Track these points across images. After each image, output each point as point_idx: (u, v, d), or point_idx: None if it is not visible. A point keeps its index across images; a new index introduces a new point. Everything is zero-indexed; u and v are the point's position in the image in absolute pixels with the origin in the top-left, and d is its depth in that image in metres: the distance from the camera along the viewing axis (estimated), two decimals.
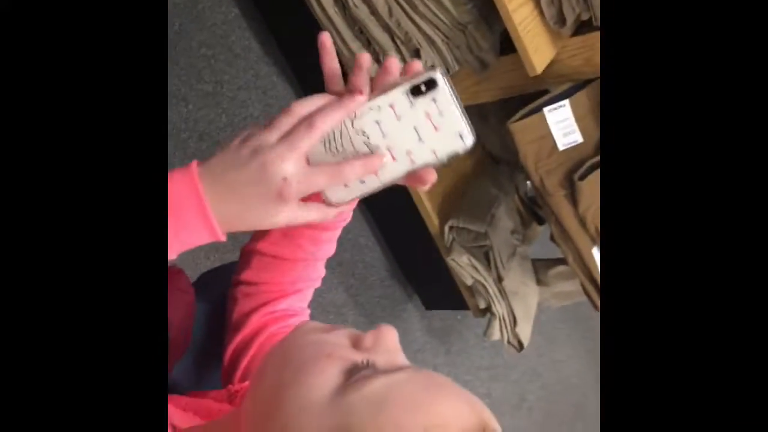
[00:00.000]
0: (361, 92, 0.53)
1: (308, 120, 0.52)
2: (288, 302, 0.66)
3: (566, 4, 1.03)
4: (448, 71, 1.19)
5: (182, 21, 1.35)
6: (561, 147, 1.08)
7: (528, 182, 1.39)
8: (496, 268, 1.38)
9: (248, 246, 0.67)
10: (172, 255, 0.51)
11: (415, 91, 0.53)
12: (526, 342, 1.43)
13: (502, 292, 1.40)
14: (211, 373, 0.71)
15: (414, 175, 0.56)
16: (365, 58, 0.55)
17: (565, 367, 2.39)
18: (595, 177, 1.07)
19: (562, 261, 1.36)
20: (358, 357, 0.46)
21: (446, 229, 1.40)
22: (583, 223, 1.10)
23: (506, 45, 1.10)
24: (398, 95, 0.53)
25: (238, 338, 0.64)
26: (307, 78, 1.47)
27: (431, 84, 0.53)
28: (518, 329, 1.39)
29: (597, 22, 1.04)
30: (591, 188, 1.07)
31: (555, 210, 1.12)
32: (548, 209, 1.14)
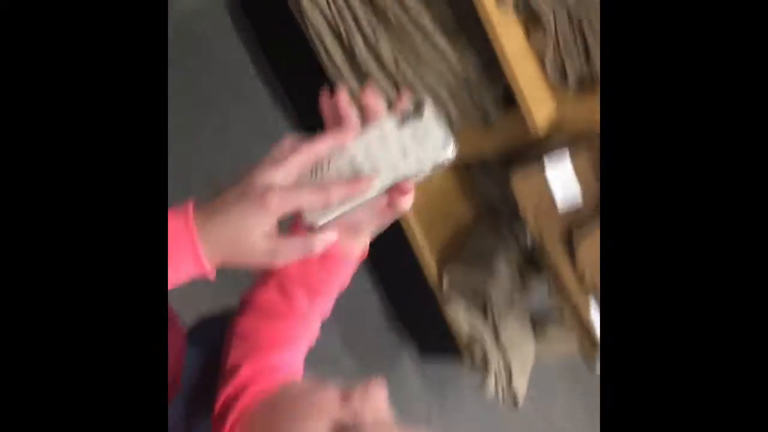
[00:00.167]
0: (352, 126, 0.56)
1: (299, 146, 0.55)
2: (281, 356, 0.65)
3: (569, 62, 1.05)
4: (451, 124, 1.20)
5: (189, 63, 1.37)
6: (561, 201, 1.08)
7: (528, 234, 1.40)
8: (494, 319, 1.37)
9: (246, 295, 0.67)
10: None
11: (404, 118, 0.57)
12: (521, 398, 1.41)
13: (499, 345, 1.39)
14: (200, 421, 0.70)
15: (395, 189, 0.57)
16: (367, 95, 0.58)
17: (562, 422, 2.35)
18: (595, 233, 1.07)
19: (561, 315, 1.35)
20: (347, 415, 0.46)
21: (444, 278, 1.39)
22: (581, 279, 1.10)
23: (510, 99, 1.12)
24: (386, 122, 0.57)
25: (229, 389, 0.64)
26: (315, 125, 1.49)
27: (418, 107, 0.57)
28: (514, 384, 1.37)
29: (599, 83, 1.06)
30: (590, 245, 1.07)
31: (553, 265, 1.12)
32: (546, 263, 1.14)
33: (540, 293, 1.51)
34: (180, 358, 0.72)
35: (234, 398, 0.63)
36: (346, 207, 0.56)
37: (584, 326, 1.14)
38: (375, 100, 0.58)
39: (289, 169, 0.54)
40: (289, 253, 0.55)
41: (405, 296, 1.67)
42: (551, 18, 1.01)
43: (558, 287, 1.15)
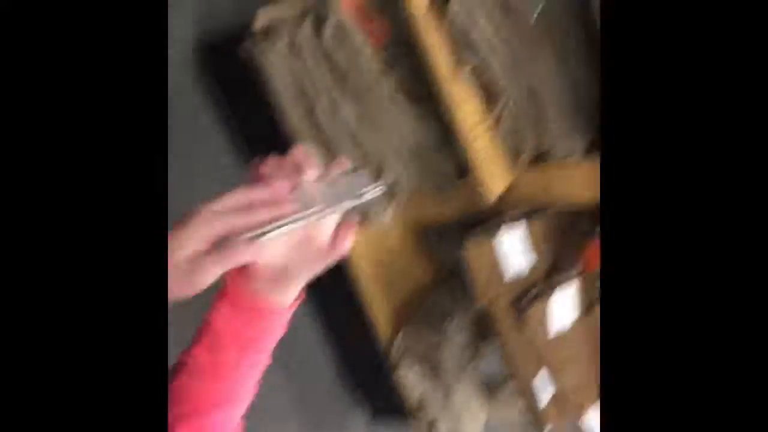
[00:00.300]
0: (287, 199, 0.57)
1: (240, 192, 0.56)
2: (214, 417, 0.65)
3: (523, 135, 1.08)
4: (410, 187, 1.23)
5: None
6: (511, 272, 1.11)
7: None
8: (445, 384, 1.37)
9: (180, 355, 0.67)
10: None
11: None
12: None
13: (449, 410, 1.38)
14: None
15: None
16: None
17: None
18: (544, 301, 1.09)
19: (509, 381, 1.36)
20: None
21: (397, 340, 1.39)
22: (527, 349, 1.11)
23: (467, 169, 1.15)
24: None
25: None
26: None
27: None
28: None
29: (554, 155, 1.09)
30: (537, 315, 1.09)
31: (501, 334, 1.13)
32: (494, 330, 1.15)
33: (494, 358, 1.52)
34: None
35: None
36: (275, 230, 0.56)
37: (529, 393, 1.14)
38: (306, 158, 0.59)
39: (223, 202, 0.55)
40: (207, 267, 0.53)
41: (359, 356, 1.66)
42: (507, 91, 1.05)
43: (505, 354, 1.16)
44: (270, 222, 0.55)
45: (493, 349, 1.43)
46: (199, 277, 0.54)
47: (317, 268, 0.62)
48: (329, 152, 1.20)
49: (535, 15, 1.02)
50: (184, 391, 0.65)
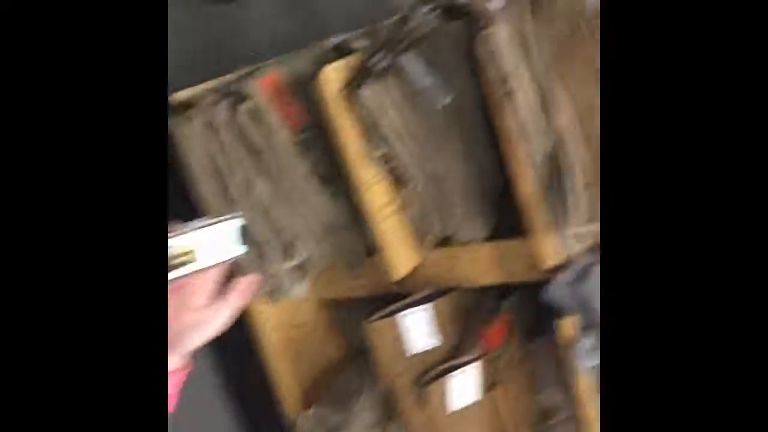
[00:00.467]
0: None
1: None
2: None
3: (429, 221, 1.13)
4: (321, 263, 1.25)
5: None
6: (414, 351, 1.13)
7: None
8: None
9: None
10: None
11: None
12: None
13: None
14: None
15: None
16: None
17: None
18: (444, 382, 1.12)
19: None
20: None
21: (305, 416, 1.38)
22: (429, 427, 1.13)
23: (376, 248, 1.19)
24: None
25: None
26: None
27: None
28: None
29: (458, 239, 1.15)
30: (438, 393, 1.11)
31: (404, 412, 1.15)
32: (398, 410, 1.17)
33: None
34: None
35: None
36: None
37: None
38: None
39: None
40: None
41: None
42: (413, 177, 1.10)
43: None
44: None
45: (399, 428, 1.44)
46: None
47: (204, 337, 0.61)
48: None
49: (443, 106, 1.08)
50: None
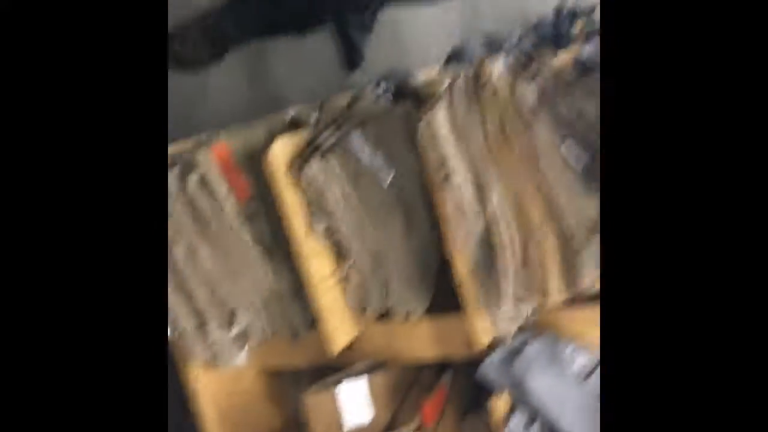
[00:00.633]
0: None
1: None
2: None
3: (368, 295, 1.16)
4: (262, 333, 1.26)
5: None
6: (350, 425, 1.14)
7: None
8: None
9: None
10: None
11: None
12: None
13: None
14: None
15: None
16: None
17: None
18: None
19: None
20: None
21: None
22: None
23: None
24: None
25: None
26: None
27: None
28: None
29: (396, 314, 1.17)
30: None
31: None
32: None
33: None
34: None
35: None
36: None
37: None
38: None
39: None
40: None
41: None
42: (354, 252, 1.13)
43: None
44: None
45: None
46: None
47: None
48: (184, 294, 1.22)
49: (386, 185, 1.13)
50: None
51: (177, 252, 1.20)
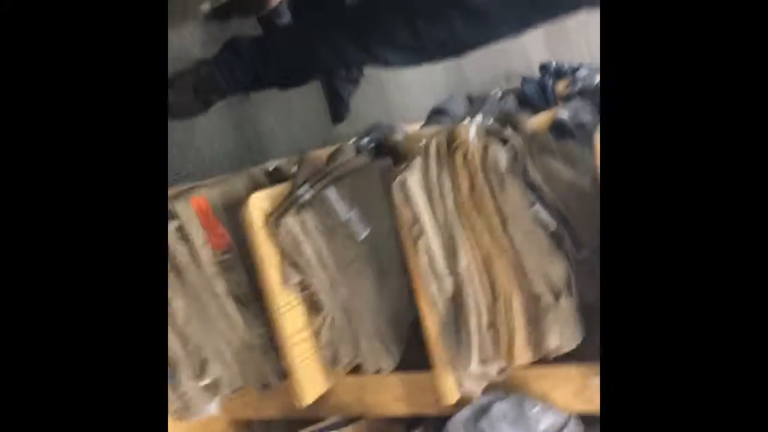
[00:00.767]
0: None
1: None
2: None
3: (341, 350, 1.17)
4: (234, 383, 1.26)
5: None
6: None
7: None
8: None
9: None
10: None
11: None
12: None
13: None
14: None
15: None
16: None
17: None
18: None
19: None
20: None
21: None
22: None
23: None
24: None
25: None
26: None
27: None
28: None
29: (367, 368, 1.18)
30: None
31: None
32: None
33: None
34: None
35: None
36: None
37: None
38: None
39: None
40: None
41: None
42: (326, 307, 1.14)
43: None
44: None
45: None
46: None
47: None
48: None
49: (359, 241, 1.14)
50: None
51: None
